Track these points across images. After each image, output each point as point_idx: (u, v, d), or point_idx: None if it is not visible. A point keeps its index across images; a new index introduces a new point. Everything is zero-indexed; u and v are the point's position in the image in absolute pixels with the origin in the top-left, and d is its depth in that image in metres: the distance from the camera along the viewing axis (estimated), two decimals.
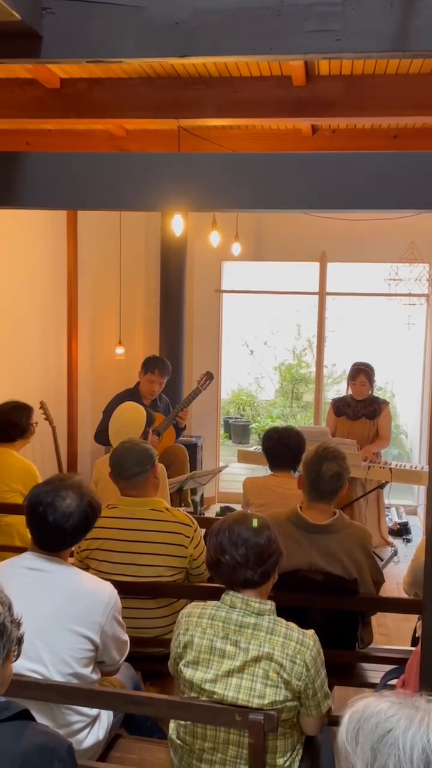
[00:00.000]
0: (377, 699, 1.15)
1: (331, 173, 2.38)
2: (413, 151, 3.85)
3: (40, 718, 2.10)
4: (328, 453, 3.04)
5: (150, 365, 5.65)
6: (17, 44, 2.23)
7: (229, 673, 2.09)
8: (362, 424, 5.82)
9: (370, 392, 5.85)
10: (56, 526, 2.27)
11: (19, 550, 2.67)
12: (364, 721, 1.11)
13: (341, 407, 5.93)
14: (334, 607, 2.99)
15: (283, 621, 2.16)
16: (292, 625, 2.16)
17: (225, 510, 6.17)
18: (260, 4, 2.11)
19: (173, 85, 3.86)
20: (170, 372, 5.78)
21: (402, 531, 6.40)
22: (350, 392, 5.94)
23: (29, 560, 2.32)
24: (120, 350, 6.64)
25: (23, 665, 2.16)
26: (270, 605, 2.17)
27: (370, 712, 1.12)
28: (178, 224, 5.38)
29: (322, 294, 7.09)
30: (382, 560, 5.49)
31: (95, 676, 2.33)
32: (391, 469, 5.47)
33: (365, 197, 2.37)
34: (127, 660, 2.56)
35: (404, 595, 3.27)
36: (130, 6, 2.19)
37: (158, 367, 5.63)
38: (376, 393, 6.03)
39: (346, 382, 6.03)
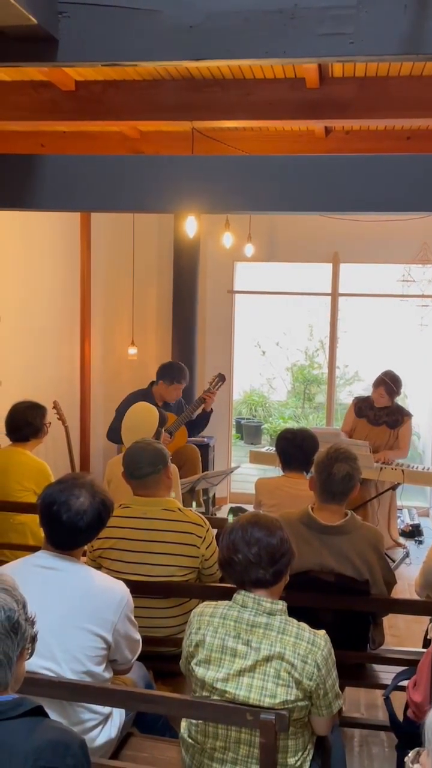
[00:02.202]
0: None
1: (344, 175, 2.39)
2: (427, 153, 3.85)
3: (53, 716, 2.11)
4: (339, 454, 3.05)
5: (175, 375, 5.59)
6: (34, 48, 2.25)
7: (240, 673, 2.10)
8: (382, 431, 5.76)
9: (389, 403, 5.76)
10: (70, 525, 2.29)
11: (33, 549, 2.69)
12: None
13: (363, 408, 5.86)
14: (345, 608, 2.99)
15: (295, 621, 2.17)
16: (304, 625, 2.17)
17: (236, 510, 6.17)
18: (274, 7, 2.12)
19: (187, 87, 3.88)
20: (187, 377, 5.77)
21: (414, 533, 6.38)
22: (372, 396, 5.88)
23: (43, 559, 2.34)
24: (133, 350, 6.67)
25: (36, 663, 2.18)
26: (281, 605, 2.18)
27: None
28: (191, 226, 5.40)
29: (335, 295, 7.09)
30: (393, 562, 5.48)
31: (107, 675, 2.35)
32: (403, 470, 5.46)
33: (378, 199, 2.38)
34: (139, 659, 2.58)
35: (416, 597, 3.27)
36: (145, 10, 2.21)
37: (183, 375, 5.60)
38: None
39: (372, 389, 5.95)
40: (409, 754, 1.17)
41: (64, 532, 2.31)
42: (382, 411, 5.77)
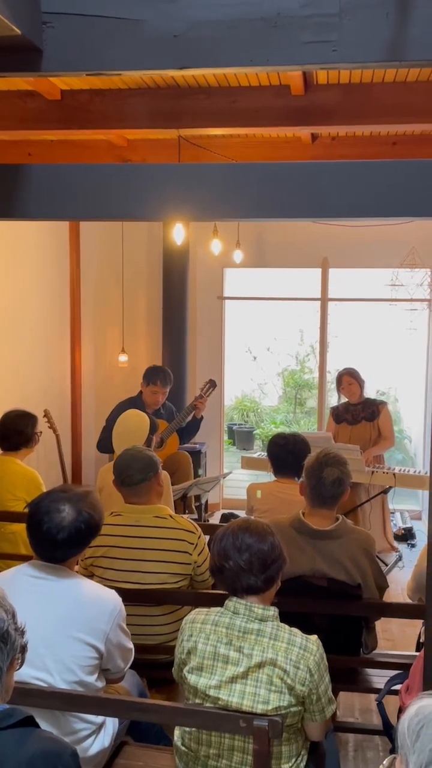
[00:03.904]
0: None
1: (331, 182, 2.40)
2: (413, 158, 3.86)
3: (46, 726, 2.11)
4: (329, 458, 3.05)
5: (151, 376, 5.57)
6: (18, 58, 2.26)
7: (233, 679, 2.10)
8: (363, 427, 5.84)
9: (361, 391, 5.87)
10: (49, 537, 2.28)
11: (25, 559, 2.68)
12: (430, 720, 1.09)
13: (340, 414, 5.96)
14: (337, 612, 3.00)
15: (287, 627, 2.17)
16: (296, 630, 2.17)
17: (228, 516, 6.17)
18: (257, 15, 2.13)
19: (173, 95, 3.89)
20: (173, 381, 5.75)
21: (407, 536, 6.39)
22: (343, 399, 5.97)
23: (33, 569, 2.34)
24: (123, 358, 6.66)
25: (28, 673, 2.17)
26: (273, 611, 2.18)
27: None
28: (179, 233, 5.41)
29: (324, 300, 7.11)
30: (386, 565, 5.49)
31: (100, 684, 2.34)
32: (394, 474, 5.47)
33: (365, 205, 2.39)
34: (132, 667, 2.57)
35: (408, 601, 3.28)
36: (129, 19, 2.21)
37: (160, 377, 5.56)
38: (377, 396, 6.04)
39: (336, 391, 6.05)
40: (385, 762, 1.17)
41: (42, 543, 2.30)
42: (357, 408, 5.85)
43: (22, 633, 1.58)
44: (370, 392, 6.15)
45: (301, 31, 2.12)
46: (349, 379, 5.85)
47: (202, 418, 5.82)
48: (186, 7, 2.17)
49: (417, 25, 2.09)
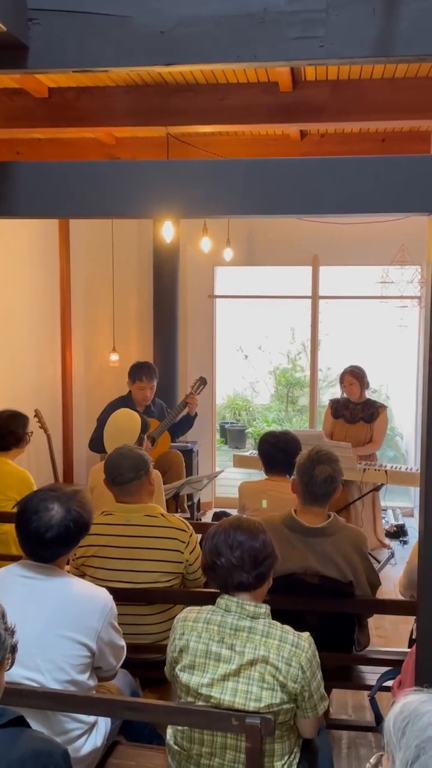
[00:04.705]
0: None
1: (320, 178, 2.39)
2: (402, 154, 3.87)
3: (37, 727, 2.10)
4: (320, 456, 3.05)
5: (136, 373, 5.59)
6: (3, 55, 2.24)
7: (225, 677, 2.10)
8: (360, 428, 5.82)
9: (362, 392, 5.86)
10: (37, 535, 2.26)
11: (16, 559, 2.66)
12: (416, 717, 1.09)
13: (339, 408, 5.93)
14: (329, 610, 3.00)
15: (278, 624, 2.16)
16: (287, 627, 2.17)
17: (220, 515, 6.16)
18: (244, 12, 2.12)
19: (161, 92, 3.88)
20: (158, 374, 5.75)
21: (399, 533, 6.40)
22: (344, 395, 5.96)
23: (23, 568, 2.32)
24: (114, 357, 6.65)
25: (19, 673, 2.16)
26: (265, 608, 2.18)
27: (425, 710, 1.10)
28: (168, 231, 5.40)
29: (315, 298, 7.11)
30: (378, 562, 5.49)
31: (92, 683, 2.33)
32: (386, 471, 5.48)
33: (355, 202, 2.38)
34: (124, 666, 2.57)
35: (401, 597, 3.28)
36: (116, 16, 2.20)
37: (144, 372, 5.58)
38: (369, 394, 6.03)
39: (339, 387, 6.06)
40: (372, 759, 1.17)
41: (31, 542, 2.29)
42: (357, 407, 5.83)
43: (12, 633, 1.57)
44: None
45: (288, 27, 2.12)
46: (350, 379, 5.82)
47: (196, 415, 5.82)
48: (173, 3, 2.16)
49: (404, 20, 2.09)
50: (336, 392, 6.65)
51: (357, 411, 5.84)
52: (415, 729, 1.07)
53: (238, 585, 2.17)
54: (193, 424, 5.90)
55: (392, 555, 5.83)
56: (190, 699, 2.15)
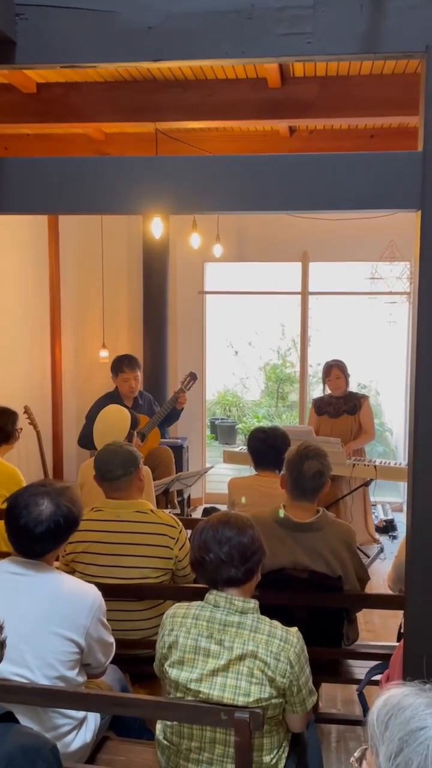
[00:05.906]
0: (418, 691, 1.12)
1: (309, 174, 2.39)
2: (390, 151, 3.87)
3: (27, 722, 2.10)
4: (309, 451, 3.06)
5: (118, 365, 5.59)
6: None
7: (214, 672, 2.11)
8: (344, 420, 5.86)
9: (346, 386, 5.89)
10: (26, 530, 2.26)
11: (5, 556, 2.67)
12: (399, 710, 1.09)
13: (322, 406, 5.97)
14: (318, 604, 3.01)
15: (267, 619, 2.17)
16: (276, 622, 2.17)
17: (210, 511, 6.17)
18: (231, 8, 2.13)
19: (149, 88, 3.88)
20: (141, 365, 5.74)
21: (388, 528, 6.43)
22: (327, 390, 5.98)
23: (11, 565, 2.32)
24: (104, 353, 6.64)
25: (8, 669, 2.16)
26: (253, 604, 2.19)
27: (408, 703, 1.09)
28: (157, 227, 5.40)
29: (305, 293, 7.12)
30: (368, 557, 5.52)
31: (81, 679, 2.34)
32: (375, 466, 5.50)
33: (344, 198, 2.39)
34: (114, 662, 2.57)
35: (390, 592, 3.30)
36: (104, 11, 2.20)
37: (125, 363, 5.57)
38: (359, 389, 6.06)
39: (322, 381, 6.08)
40: (356, 753, 1.17)
41: (20, 537, 2.29)
42: (339, 401, 5.87)
43: (1, 629, 1.58)
44: (351, 385, 6.17)
45: (275, 24, 2.12)
46: (338, 372, 5.85)
47: (182, 408, 5.83)
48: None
49: (391, 17, 2.10)
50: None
51: (339, 405, 5.88)
52: (398, 722, 1.07)
53: (226, 580, 2.18)
54: (180, 416, 5.91)
55: (381, 550, 5.86)
56: (179, 695, 2.16)
